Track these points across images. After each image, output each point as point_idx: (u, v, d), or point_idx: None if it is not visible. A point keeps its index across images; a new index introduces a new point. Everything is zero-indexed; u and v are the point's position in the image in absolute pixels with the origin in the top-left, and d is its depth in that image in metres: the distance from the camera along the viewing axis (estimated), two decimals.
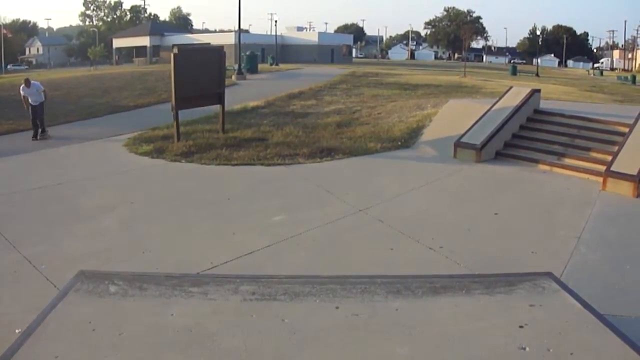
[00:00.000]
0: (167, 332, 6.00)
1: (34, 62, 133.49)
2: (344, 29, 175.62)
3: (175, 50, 19.33)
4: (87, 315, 6.26)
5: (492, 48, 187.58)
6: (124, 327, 6.06)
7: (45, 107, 22.84)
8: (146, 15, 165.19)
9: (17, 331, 6.24)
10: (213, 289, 7.07)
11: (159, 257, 9.99)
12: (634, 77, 79.19)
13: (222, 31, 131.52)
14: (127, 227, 11.64)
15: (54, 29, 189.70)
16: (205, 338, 5.93)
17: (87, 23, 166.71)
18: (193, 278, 7.68)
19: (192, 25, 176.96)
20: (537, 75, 74.18)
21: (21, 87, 22.77)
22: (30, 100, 22.35)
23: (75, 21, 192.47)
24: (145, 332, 6.02)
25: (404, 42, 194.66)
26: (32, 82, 22.72)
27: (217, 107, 21.57)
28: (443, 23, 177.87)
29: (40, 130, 22.19)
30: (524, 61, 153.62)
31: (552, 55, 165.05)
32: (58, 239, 10.95)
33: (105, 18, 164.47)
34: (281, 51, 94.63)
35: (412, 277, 7.96)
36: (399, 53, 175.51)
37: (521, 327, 6.24)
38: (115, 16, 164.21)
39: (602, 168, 15.28)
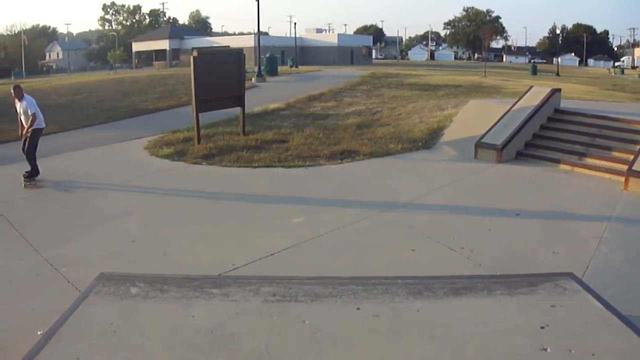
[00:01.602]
0: (188, 334, 6.02)
1: (54, 67, 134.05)
2: (364, 30, 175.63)
3: (195, 53, 19.38)
4: (108, 317, 6.29)
5: (512, 48, 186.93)
6: (145, 328, 6.08)
7: (36, 137, 15.89)
8: (165, 18, 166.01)
9: (38, 333, 6.27)
10: (234, 291, 7.07)
11: (179, 259, 10.02)
12: None
13: (241, 34, 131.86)
14: (147, 230, 11.68)
15: (74, 34, 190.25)
16: (227, 339, 5.93)
17: (106, 27, 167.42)
18: (214, 280, 7.70)
19: (211, 29, 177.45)
20: (557, 74, 73.88)
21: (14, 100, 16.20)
22: (22, 119, 15.97)
23: (95, 26, 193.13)
24: (166, 333, 6.04)
25: (424, 42, 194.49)
26: (24, 94, 16.12)
27: (237, 110, 21.62)
28: (462, 23, 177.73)
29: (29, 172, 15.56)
30: (544, 60, 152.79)
31: (573, 54, 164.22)
32: (79, 242, 11.00)
33: (124, 22, 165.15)
34: (301, 53, 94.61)
35: (433, 278, 7.95)
36: (418, 54, 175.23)
37: (542, 327, 6.22)
38: (134, 20, 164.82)
39: (624, 167, 15.18)
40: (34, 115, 15.70)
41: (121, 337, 5.90)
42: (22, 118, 15.98)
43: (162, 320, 6.33)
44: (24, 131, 15.83)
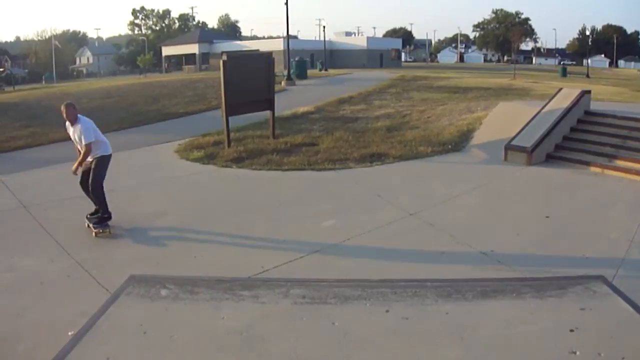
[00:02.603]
0: (218, 335, 6.06)
1: (85, 72, 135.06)
2: (393, 33, 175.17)
3: (225, 57, 19.46)
4: (138, 318, 6.34)
5: (542, 49, 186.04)
6: (175, 330, 6.13)
7: (101, 168, 12.44)
8: (194, 23, 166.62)
9: (69, 334, 6.33)
10: (264, 293, 7.11)
11: (210, 261, 10.08)
12: None
13: (270, 37, 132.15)
14: (178, 232, 11.76)
15: (104, 39, 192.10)
16: (256, 341, 5.97)
17: (136, 32, 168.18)
18: (244, 282, 7.72)
19: (240, 32, 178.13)
20: (587, 76, 73.54)
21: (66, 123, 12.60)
22: (78, 147, 12.46)
23: (124, 30, 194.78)
24: (196, 335, 6.08)
25: (453, 45, 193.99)
26: (79, 116, 12.37)
27: (267, 113, 21.64)
28: (491, 25, 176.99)
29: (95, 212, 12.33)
30: (574, 62, 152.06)
31: (603, 55, 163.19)
32: (109, 245, 11.11)
33: (154, 27, 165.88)
34: (330, 56, 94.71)
35: (463, 280, 7.94)
36: (447, 56, 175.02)
37: (572, 330, 6.20)
38: (163, 25, 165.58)
39: None
40: (87, 147, 12.04)
41: (151, 338, 5.95)
42: (79, 146, 12.32)
43: (192, 321, 6.37)
44: (76, 165, 12.10)
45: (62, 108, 12.16)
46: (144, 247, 10.86)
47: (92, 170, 12.20)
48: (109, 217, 12.06)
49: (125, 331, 6.09)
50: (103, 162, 12.39)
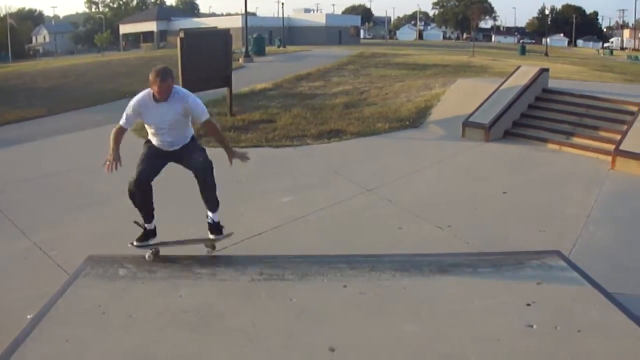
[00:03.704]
0: (176, 314, 6.06)
1: (41, 51, 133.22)
2: (352, 10, 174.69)
3: (182, 34, 19.31)
4: (97, 298, 6.32)
5: (501, 28, 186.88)
6: (133, 309, 6.12)
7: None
8: (152, 0, 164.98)
9: (28, 317, 6.27)
10: (222, 270, 7.13)
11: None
12: None
13: (229, 14, 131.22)
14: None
15: (60, 17, 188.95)
16: (214, 318, 5.97)
17: (93, 10, 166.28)
18: (202, 260, 7.74)
19: (198, 10, 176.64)
20: (546, 54, 73.85)
21: (141, 98, 8.29)
22: (153, 132, 8.59)
23: (82, 8, 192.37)
24: (155, 313, 6.07)
25: (412, 22, 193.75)
26: (175, 87, 8.20)
27: (224, 90, 21.48)
28: (451, 3, 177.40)
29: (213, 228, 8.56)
30: (533, 41, 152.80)
31: (562, 34, 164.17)
32: (68, 225, 10.98)
33: (111, 4, 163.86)
34: (288, 33, 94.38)
35: (420, 255, 8.00)
36: (407, 34, 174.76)
37: (529, 305, 6.27)
38: (121, 2, 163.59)
39: (612, 147, 15.23)
40: (209, 122, 8.86)
41: (110, 319, 5.94)
42: (155, 129, 8.53)
43: (150, 300, 6.36)
44: (231, 157, 9.16)
45: (158, 79, 7.86)
46: (102, 227, 10.74)
47: (195, 150, 8.88)
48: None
49: (84, 312, 6.08)
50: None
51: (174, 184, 10.15)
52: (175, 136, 8.56)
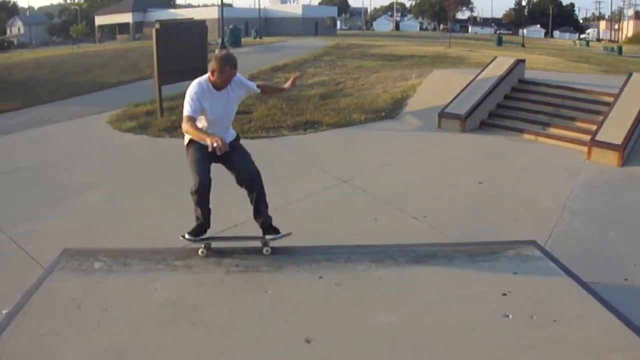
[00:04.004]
0: (151, 306, 6.04)
1: (16, 43, 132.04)
2: (328, 1, 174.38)
3: (157, 25, 19.20)
4: (72, 292, 6.28)
5: (478, 19, 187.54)
6: (108, 302, 6.09)
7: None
8: None
9: (3, 312, 6.23)
10: (197, 263, 7.10)
11: (143, 233, 9.95)
12: (620, 48, 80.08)
13: (205, 6, 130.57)
14: (111, 204, 11.59)
15: (35, 8, 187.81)
16: (190, 311, 5.95)
17: (68, 1, 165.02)
18: (177, 252, 7.69)
19: (175, 1, 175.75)
20: (522, 45, 74.01)
21: (199, 88, 7.74)
22: (208, 125, 7.70)
23: None
24: (130, 307, 6.04)
25: (389, 13, 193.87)
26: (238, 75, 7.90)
27: None
28: None
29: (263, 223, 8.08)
30: (510, 32, 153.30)
31: (538, 25, 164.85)
32: (43, 218, 10.88)
33: None
34: (265, 24, 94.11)
35: (396, 246, 8.01)
36: (383, 25, 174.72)
37: (504, 294, 6.29)
38: None
39: (587, 137, 15.35)
40: (262, 87, 8.81)
41: (85, 312, 5.91)
42: (225, 123, 8.25)
43: (125, 294, 6.34)
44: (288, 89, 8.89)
45: (227, 66, 7.62)
46: (77, 220, 10.67)
47: (243, 153, 8.41)
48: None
49: (60, 306, 6.04)
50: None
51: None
52: (227, 129, 8.18)
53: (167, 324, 5.69)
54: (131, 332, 5.58)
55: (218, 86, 7.65)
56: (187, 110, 7.42)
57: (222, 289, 6.42)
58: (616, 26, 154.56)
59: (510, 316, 5.86)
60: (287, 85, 8.60)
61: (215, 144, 6.64)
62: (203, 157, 7.54)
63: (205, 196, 7.73)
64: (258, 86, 8.35)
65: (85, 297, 6.18)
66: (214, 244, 7.74)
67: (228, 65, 7.52)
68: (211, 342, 5.41)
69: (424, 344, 5.44)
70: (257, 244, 7.62)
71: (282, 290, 6.35)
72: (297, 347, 5.33)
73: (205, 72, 17.89)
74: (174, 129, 17.49)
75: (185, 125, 7.30)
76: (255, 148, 15.53)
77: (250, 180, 8.05)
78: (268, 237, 7.77)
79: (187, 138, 7.71)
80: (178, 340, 5.43)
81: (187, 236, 7.74)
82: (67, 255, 7.31)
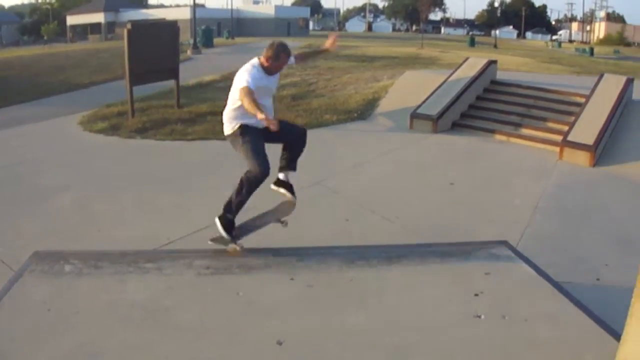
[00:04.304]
0: (122, 309, 6.00)
1: None
2: (301, 2, 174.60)
3: (129, 26, 19.13)
4: (42, 295, 6.24)
5: (451, 20, 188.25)
6: (79, 305, 6.04)
7: None
8: None
9: None
10: (168, 265, 7.07)
11: (114, 235, 9.87)
12: (591, 49, 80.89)
13: (177, 6, 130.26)
14: (82, 206, 11.49)
15: (5, 7, 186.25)
16: (160, 313, 5.92)
17: (40, 0, 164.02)
18: (148, 254, 7.67)
19: (147, 1, 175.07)
20: (495, 46, 74.46)
21: (256, 72, 8.25)
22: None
23: None
24: (101, 309, 6.00)
25: (362, 14, 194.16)
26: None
27: (172, 82, 21.29)
28: None
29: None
30: (483, 33, 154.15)
31: (511, 27, 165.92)
32: (13, 221, 10.78)
33: None
34: (237, 25, 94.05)
35: (368, 247, 8.03)
36: (356, 25, 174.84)
37: (476, 295, 6.31)
38: None
39: (559, 138, 15.47)
40: (297, 56, 9.29)
41: (55, 316, 5.87)
42: (270, 103, 8.66)
43: (96, 296, 6.30)
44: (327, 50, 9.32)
45: (284, 53, 8.32)
46: (47, 223, 10.56)
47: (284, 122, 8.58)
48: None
49: (30, 309, 5.99)
50: None
51: None
52: (271, 109, 8.49)
53: (138, 327, 5.66)
54: (102, 335, 5.54)
55: (271, 71, 8.13)
56: (246, 82, 7.72)
57: (193, 292, 6.39)
58: (588, 28, 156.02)
59: (482, 316, 5.88)
60: (327, 44, 8.90)
61: (267, 120, 7.10)
62: (262, 144, 8.08)
63: (257, 187, 8.10)
64: (297, 58, 8.83)
65: (55, 301, 6.14)
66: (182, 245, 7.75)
67: (283, 52, 8.07)
68: (182, 345, 5.38)
69: (396, 345, 5.44)
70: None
71: (253, 292, 6.33)
72: (269, 349, 5.31)
73: (177, 73, 17.73)
74: (146, 130, 17.44)
75: (244, 96, 7.59)
76: (226, 149, 15.52)
77: (302, 137, 8.78)
78: (288, 194, 8.69)
79: (235, 124, 8.27)
80: (149, 343, 5.40)
81: (224, 233, 7.72)
82: (38, 258, 7.25)
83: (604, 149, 15.00)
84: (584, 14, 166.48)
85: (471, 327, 5.75)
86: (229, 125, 8.32)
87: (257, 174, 7.86)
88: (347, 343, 5.47)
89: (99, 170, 13.94)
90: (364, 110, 20.13)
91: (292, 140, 8.59)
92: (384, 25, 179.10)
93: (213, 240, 7.78)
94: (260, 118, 7.16)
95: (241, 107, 7.93)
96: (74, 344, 5.39)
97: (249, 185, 7.98)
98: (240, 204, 8.09)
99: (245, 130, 8.10)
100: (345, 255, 7.38)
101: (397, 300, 6.26)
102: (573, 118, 16.24)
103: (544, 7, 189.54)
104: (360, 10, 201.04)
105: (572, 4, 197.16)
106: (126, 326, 5.69)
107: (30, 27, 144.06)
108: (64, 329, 5.61)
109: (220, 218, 7.97)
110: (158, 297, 6.23)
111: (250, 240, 7.76)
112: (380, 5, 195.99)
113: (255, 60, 8.16)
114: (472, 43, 73.46)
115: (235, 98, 8.06)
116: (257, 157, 7.93)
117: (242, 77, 7.89)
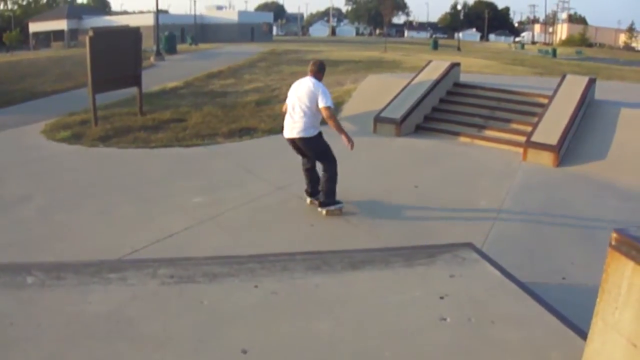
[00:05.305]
0: (86, 321, 5.94)
1: None
2: (264, 7, 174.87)
3: (91, 33, 18.99)
4: (3, 309, 6.16)
5: (414, 23, 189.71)
6: (42, 318, 5.97)
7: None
8: None
9: None
10: (131, 274, 7.01)
11: (78, 245, 9.76)
12: (554, 50, 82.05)
13: (140, 12, 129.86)
14: (44, 216, 11.37)
15: None
16: (125, 324, 5.86)
17: (1, 7, 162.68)
18: (112, 264, 7.61)
19: (110, 7, 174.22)
20: (458, 49, 75.08)
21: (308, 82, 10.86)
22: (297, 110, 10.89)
23: None
24: (64, 322, 5.93)
25: (325, 18, 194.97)
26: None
27: (134, 90, 21.18)
28: None
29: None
30: (446, 36, 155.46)
31: (474, 29, 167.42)
32: None
33: (20, 1, 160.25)
34: (201, 31, 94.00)
35: (332, 252, 8.02)
36: (320, 30, 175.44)
37: (442, 298, 6.32)
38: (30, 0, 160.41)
39: (523, 139, 15.60)
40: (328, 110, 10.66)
41: (18, 329, 5.79)
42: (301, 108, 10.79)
43: (59, 308, 6.23)
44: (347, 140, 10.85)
45: (315, 67, 11.16)
46: (9, 233, 10.41)
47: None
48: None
49: None
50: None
51: None
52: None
53: (102, 339, 5.60)
54: (66, 347, 5.48)
55: None
56: (331, 104, 10.73)
57: (157, 301, 6.34)
58: (550, 29, 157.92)
59: (448, 319, 5.88)
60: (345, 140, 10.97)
61: (351, 146, 10.86)
62: None
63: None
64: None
65: (17, 314, 6.06)
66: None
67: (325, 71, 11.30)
68: (146, 356, 5.34)
69: (362, 351, 5.43)
70: (193, 253, 7.61)
71: (217, 300, 6.29)
72: (234, 358, 5.28)
73: (139, 80, 17.78)
74: (109, 138, 17.32)
75: (332, 116, 10.78)
76: (190, 156, 15.59)
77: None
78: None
79: (316, 131, 11.03)
80: (113, 356, 5.35)
81: (338, 205, 11.12)
82: None
83: (567, 149, 15.14)
84: (546, 15, 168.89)
85: (437, 330, 5.75)
86: (313, 131, 10.95)
87: (335, 164, 11.09)
88: (313, 350, 5.45)
89: (62, 179, 13.81)
90: None
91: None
92: (347, 29, 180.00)
93: (329, 213, 10.94)
94: (345, 139, 10.72)
95: (320, 117, 10.85)
96: (38, 357, 5.33)
97: (334, 173, 11.05)
98: (335, 186, 11.04)
99: (322, 136, 11.19)
100: (310, 261, 7.36)
101: (363, 305, 6.26)
102: (536, 119, 16.38)
103: (507, 9, 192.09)
104: (323, 15, 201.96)
105: (534, 6, 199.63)
106: (90, 338, 5.63)
107: None
108: (27, 344, 5.53)
109: (326, 205, 11.01)
110: (122, 308, 6.17)
111: (215, 248, 7.72)
112: (344, 9, 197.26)
113: (318, 82, 10.89)
114: (436, 46, 73.85)
115: (314, 109, 10.69)
116: (333, 156, 11.19)
117: (327, 95, 10.62)
